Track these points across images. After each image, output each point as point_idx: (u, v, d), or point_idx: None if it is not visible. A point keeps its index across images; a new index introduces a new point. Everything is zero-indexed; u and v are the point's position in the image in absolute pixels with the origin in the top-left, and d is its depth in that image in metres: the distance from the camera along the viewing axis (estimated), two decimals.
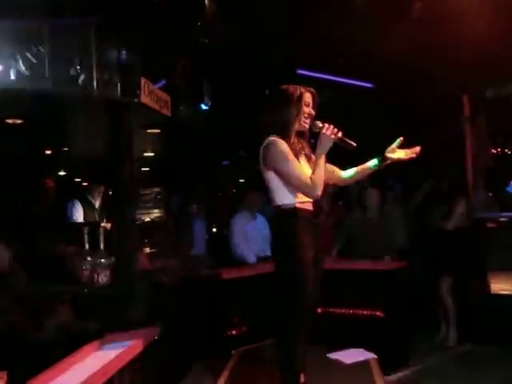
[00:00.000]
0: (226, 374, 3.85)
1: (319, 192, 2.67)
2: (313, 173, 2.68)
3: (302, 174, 2.67)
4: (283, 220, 2.75)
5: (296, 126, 2.78)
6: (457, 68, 5.19)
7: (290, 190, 2.72)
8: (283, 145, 2.69)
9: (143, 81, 3.78)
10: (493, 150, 6.93)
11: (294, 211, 2.72)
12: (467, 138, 5.75)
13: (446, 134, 6.19)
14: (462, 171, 5.67)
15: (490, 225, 5.55)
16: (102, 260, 3.92)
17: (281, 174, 2.69)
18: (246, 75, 5.76)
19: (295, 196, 2.73)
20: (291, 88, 2.77)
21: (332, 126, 2.68)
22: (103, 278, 3.85)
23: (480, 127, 5.88)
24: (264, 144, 2.73)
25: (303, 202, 2.75)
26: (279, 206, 2.74)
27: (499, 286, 4.85)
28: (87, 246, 4.17)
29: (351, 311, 4.57)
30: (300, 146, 2.81)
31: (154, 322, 3.32)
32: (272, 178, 2.73)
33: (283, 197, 2.73)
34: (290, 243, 2.69)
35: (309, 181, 2.64)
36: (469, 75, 5.33)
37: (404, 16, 4.74)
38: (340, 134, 2.69)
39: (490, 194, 6.28)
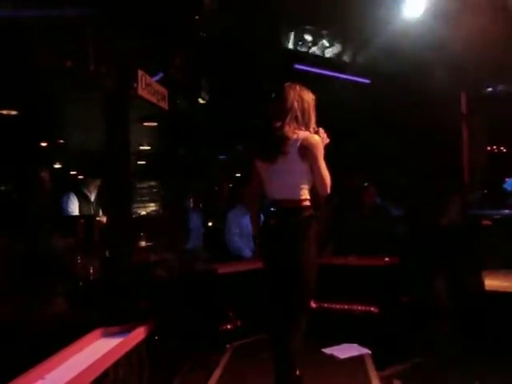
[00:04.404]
0: (220, 368, 3.86)
1: None
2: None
3: None
4: (309, 214, 2.78)
5: None
6: (455, 65, 5.19)
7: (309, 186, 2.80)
8: None
9: (140, 73, 3.75)
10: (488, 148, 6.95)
11: (311, 205, 2.81)
12: (464, 135, 5.76)
13: (442, 131, 6.18)
14: (457, 168, 5.68)
15: (486, 222, 5.56)
16: (97, 253, 3.91)
17: (317, 170, 2.72)
18: (244, 69, 5.74)
19: (309, 192, 2.81)
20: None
21: (322, 130, 2.83)
22: (98, 271, 3.84)
23: (477, 125, 5.89)
24: (304, 139, 2.71)
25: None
26: (306, 199, 2.78)
27: (494, 283, 4.86)
28: (82, 239, 4.15)
29: (346, 307, 4.58)
30: None
31: (148, 315, 3.31)
32: (307, 172, 2.75)
33: (307, 192, 2.80)
34: (311, 236, 2.75)
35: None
36: (467, 73, 5.33)
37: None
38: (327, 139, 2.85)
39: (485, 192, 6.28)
